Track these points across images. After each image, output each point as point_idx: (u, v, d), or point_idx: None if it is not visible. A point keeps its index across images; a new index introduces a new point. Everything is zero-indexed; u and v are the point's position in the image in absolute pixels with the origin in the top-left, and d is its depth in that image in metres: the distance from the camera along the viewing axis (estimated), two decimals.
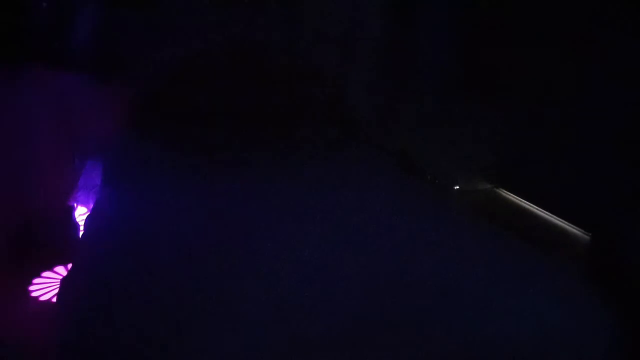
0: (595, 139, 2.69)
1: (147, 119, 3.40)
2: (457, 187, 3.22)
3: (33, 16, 2.67)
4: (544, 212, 2.93)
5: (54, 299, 2.55)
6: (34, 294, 2.60)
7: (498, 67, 3.12)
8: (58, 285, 2.57)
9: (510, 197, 3.09)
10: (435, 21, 3.22)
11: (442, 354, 2.13)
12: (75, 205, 2.92)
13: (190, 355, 2.12)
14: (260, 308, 2.23)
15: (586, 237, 2.73)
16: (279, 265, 2.52)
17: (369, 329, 2.13)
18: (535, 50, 2.91)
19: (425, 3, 3.30)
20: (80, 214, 2.94)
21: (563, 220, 2.85)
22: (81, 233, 2.86)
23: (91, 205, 2.95)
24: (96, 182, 3.06)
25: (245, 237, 2.73)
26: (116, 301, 2.34)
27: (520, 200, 3.04)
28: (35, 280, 2.64)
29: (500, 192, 3.14)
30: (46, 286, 2.64)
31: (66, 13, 3.00)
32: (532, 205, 2.99)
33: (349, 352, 2.07)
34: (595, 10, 2.69)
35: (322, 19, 3.39)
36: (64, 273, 2.67)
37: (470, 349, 2.15)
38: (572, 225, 2.80)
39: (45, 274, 2.68)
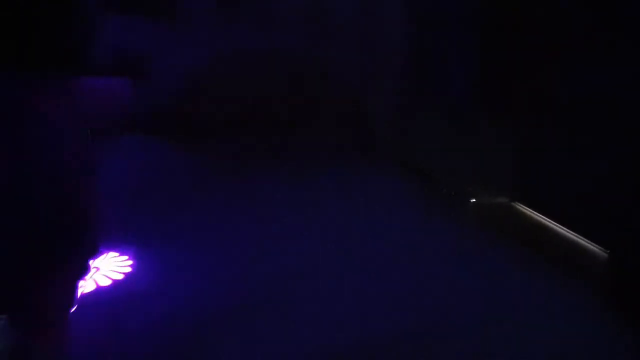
0: (616, 154, 2.66)
1: (165, 124, 3.42)
2: (474, 201, 3.20)
3: (56, 24, 2.68)
4: (562, 228, 2.90)
5: None
6: None
7: (516, 81, 3.10)
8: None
9: (527, 212, 3.06)
10: (455, 35, 3.22)
11: None
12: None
13: None
14: (273, 320, 2.22)
15: (604, 254, 2.69)
16: (292, 274, 2.53)
17: (381, 343, 2.11)
18: (555, 65, 2.89)
19: (444, 17, 3.30)
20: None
21: (580, 237, 2.81)
22: None
23: None
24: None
25: (258, 245, 2.74)
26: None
27: (537, 215, 3.01)
28: None
29: (517, 206, 3.11)
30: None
31: (88, 22, 3.02)
32: (549, 220, 2.96)
33: None
34: (618, 22, 2.67)
35: (343, 31, 3.40)
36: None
37: None
38: (590, 242, 2.76)
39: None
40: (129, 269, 2.64)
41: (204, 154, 3.41)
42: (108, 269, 2.66)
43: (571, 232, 2.85)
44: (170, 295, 2.37)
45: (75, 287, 2.29)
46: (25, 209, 2.34)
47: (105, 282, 2.57)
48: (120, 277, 2.59)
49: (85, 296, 2.42)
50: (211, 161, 3.38)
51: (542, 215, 3.00)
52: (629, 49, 2.60)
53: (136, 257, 2.67)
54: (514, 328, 2.29)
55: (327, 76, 3.43)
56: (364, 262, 2.69)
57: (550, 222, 2.95)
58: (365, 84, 3.40)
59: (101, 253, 2.71)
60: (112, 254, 2.73)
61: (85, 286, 2.50)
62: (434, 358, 2.11)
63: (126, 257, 2.71)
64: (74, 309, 2.20)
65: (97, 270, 2.66)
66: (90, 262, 2.43)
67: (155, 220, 2.91)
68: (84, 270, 2.37)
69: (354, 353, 2.09)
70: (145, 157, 3.36)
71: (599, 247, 2.72)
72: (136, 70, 3.33)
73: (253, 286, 2.46)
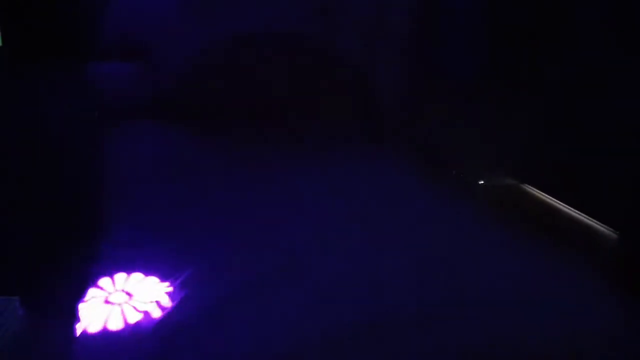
0: (625, 134, 2.63)
1: (172, 108, 3.41)
2: (482, 183, 3.18)
3: (60, 10, 2.67)
4: (571, 209, 2.88)
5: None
6: None
7: (524, 62, 3.07)
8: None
9: (536, 193, 3.05)
10: (464, 16, 3.18)
11: (467, 350, 2.12)
12: None
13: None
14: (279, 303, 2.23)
15: (614, 235, 2.68)
16: (300, 260, 2.53)
17: (390, 325, 2.12)
18: (562, 46, 2.86)
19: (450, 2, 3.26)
20: None
21: (590, 218, 2.80)
22: None
23: None
24: None
25: (264, 232, 2.74)
26: None
27: (546, 197, 2.99)
28: None
29: (526, 187, 3.10)
30: None
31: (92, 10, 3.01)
32: (558, 201, 2.95)
33: (371, 346, 2.08)
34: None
35: (351, 13, 3.37)
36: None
37: (495, 346, 2.13)
38: (600, 223, 2.75)
39: None
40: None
41: (211, 141, 3.39)
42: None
43: (581, 213, 2.84)
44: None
45: (87, 272, 2.27)
46: (40, 190, 2.34)
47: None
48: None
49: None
50: (219, 148, 3.37)
51: (551, 197, 2.98)
52: None
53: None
54: (523, 307, 2.29)
55: (334, 60, 3.40)
56: (374, 242, 2.69)
57: (560, 204, 2.94)
58: (373, 67, 3.37)
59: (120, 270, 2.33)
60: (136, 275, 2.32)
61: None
62: (443, 336, 2.12)
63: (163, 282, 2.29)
64: (85, 297, 2.17)
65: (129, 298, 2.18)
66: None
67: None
68: (95, 255, 2.36)
69: (366, 329, 2.11)
70: (152, 144, 3.35)
71: (609, 228, 2.71)
72: (142, 55, 3.31)
73: None
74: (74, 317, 2.06)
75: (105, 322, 2.07)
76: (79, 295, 2.17)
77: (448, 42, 3.22)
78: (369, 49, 3.30)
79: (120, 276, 2.29)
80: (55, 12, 2.67)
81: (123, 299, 2.18)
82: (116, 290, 2.21)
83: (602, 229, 2.71)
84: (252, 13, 3.38)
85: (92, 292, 2.21)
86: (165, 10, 3.30)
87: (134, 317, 2.10)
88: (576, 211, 2.84)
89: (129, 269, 2.33)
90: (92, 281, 2.25)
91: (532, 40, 3.02)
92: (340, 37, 3.31)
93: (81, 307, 2.12)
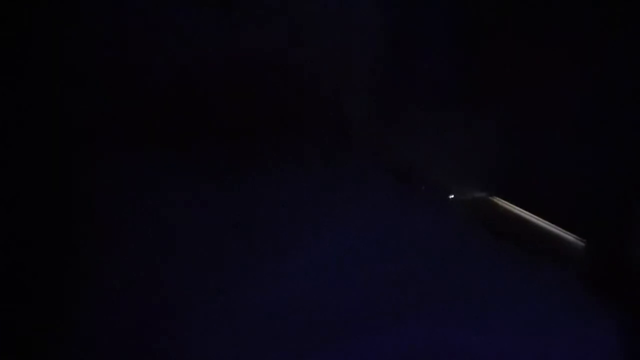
0: (589, 145, 2.69)
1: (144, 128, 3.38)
2: (452, 196, 3.20)
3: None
4: (539, 219, 2.91)
5: None
6: None
7: (492, 74, 3.13)
8: None
9: (505, 205, 3.08)
10: (430, 30, 3.24)
11: None
12: None
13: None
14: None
15: (581, 243, 2.71)
16: (276, 269, 2.51)
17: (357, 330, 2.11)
18: (530, 57, 2.93)
19: (421, 13, 3.32)
20: None
21: (558, 228, 2.83)
22: None
23: None
24: None
25: (245, 240, 2.71)
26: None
27: (515, 208, 3.02)
28: None
29: (495, 200, 3.13)
30: None
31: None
32: (527, 212, 2.98)
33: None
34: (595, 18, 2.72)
35: (317, 26, 3.41)
36: None
37: (467, 356, 2.12)
38: (567, 232, 2.78)
39: None
40: None
41: (186, 162, 3.36)
42: None
43: (549, 223, 2.87)
44: None
45: None
46: None
47: None
48: None
49: None
50: (194, 168, 3.34)
51: (521, 208, 3.01)
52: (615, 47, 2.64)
53: None
54: (494, 318, 2.30)
55: (302, 77, 3.42)
56: (339, 257, 2.67)
57: (529, 215, 2.97)
58: (341, 82, 3.40)
59: None
60: None
61: None
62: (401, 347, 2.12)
63: None
64: None
65: None
66: None
67: None
68: None
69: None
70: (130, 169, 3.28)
71: (576, 236, 2.74)
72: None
73: None
74: None
75: None
76: None
77: (416, 54, 3.28)
78: (337, 61, 3.34)
79: None
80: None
81: None
82: None
83: (569, 237, 2.75)
84: (222, 40, 3.40)
85: None
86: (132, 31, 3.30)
87: None
88: (544, 221, 2.87)
89: None
90: None
91: (501, 49, 3.08)
92: (312, 50, 3.34)
93: None
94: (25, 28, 2.70)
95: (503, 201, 3.11)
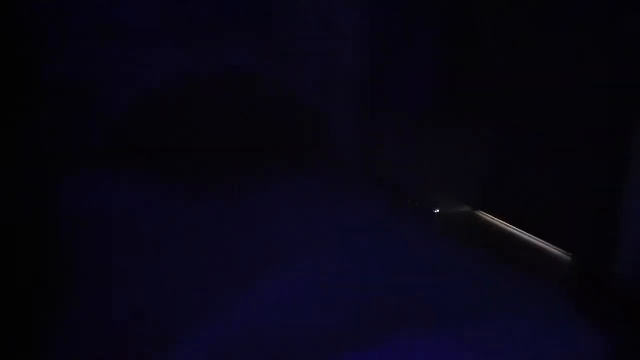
0: (574, 160, 2.68)
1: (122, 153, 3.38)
2: (437, 211, 3.18)
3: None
4: (525, 234, 2.89)
5: None
6: None
7: (476, 89, 3.14)
8: None
9: (491, 220, 3.06)
10: (415, 47, 3.26)
11: None
12: None
13: None
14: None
15: (567, 257, 2.68)
16: (258, 287, 2.48)
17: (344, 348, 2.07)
18: (513, 74, 2.94)
19: (403, 32, 3.34)
20: None
21: (544, 242, 2.81)
22: None
23: None
24: None
25: (230, 260, 2.69)
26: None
27: (501, 223, 3.00)
28: None
29: (481, 214, 3.11)
30: None
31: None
32: (512, 227, 2.96)
33: None
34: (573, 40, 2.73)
35: (300, 46, 3.43)
36: None
37: None
38: (554, 246, 2.76)
39: None
40: None
41: (167, 183, 3.35)
42: None
43: (535, 237, 2.85)
44: None
45: None
46: None
47: None
48: None
49: None
50: (175, 190, 3.33)
51: (506, 222, 2.99)
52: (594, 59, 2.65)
53: None
54: (480, 334, 2.26)
55: (284, 95, 3.43)
56: (325, 270, 2.64)
57: (515, 229, 2.95)
58: (325, 98, 3.41)
59: None
60: None
61: None
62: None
63: None
64: None
65: None
66: None
67: None
68: None
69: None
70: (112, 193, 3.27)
71: (562, 251, 2.72)
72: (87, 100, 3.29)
73: None
74: None
75: None
76: None
77: (400, 71, 3.29)
78: (321, 80, 3.35)
79: None
80: None
81: None
82: None
83: (555, 251, 2.72)
84: (207, 54, 3.41)
85: None
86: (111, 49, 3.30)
87: None
88: (530, 235, 2.85)
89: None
90: None
91: (484, 66, 3.09)
92: (293, 70, 3.35)
93: None
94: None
95: (488, 215, 3.09)
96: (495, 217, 3.05)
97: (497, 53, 3.02)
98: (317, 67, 3.42)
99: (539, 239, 2.81)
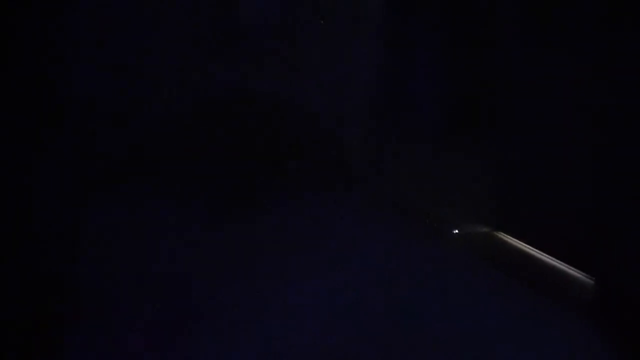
0: (598, 181, 2.60)
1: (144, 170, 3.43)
2: (456, 231, 3.13)
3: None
4: (545, 256, 2.81)
5: None
6: None
7: (494, 109, 3.09)
8: None
9: (510, 241, 2.99)
10: (430, 65, 3.23)
11: None
12: None
13: None
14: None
15: (590, 281, 2.59)
16: (271, 305, 2.48)
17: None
18: (531, 91, 2.88)
19: (419, 49, 3.32)
20: None
21: (565, 264, 2.72)
22: None
23: None
24: None
25: (241, 279, 2.69)
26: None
27: (520, 244, 2.93)
28: None
29: (500, 235, 3.04)
30: None
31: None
32: (532, 248, 2.88)
33: None
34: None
35: (317, 65, 3.44)
36: None
37: None
38: (575, 269, 2.67)
39: None
40: None
41: (181, 193, 3.38)
42: None
43: (556, 259, 2.76)
44: None
45: None
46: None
47: None
48: None
49: None
50: (190, 208, 3.35)
51: (526, 244, 2.92)
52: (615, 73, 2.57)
53: None
54: (499, 356, 2.21)
55: (300, 115, 3.45)
56: (341, 294, 2.62)
57: (535, 251, 2.87)
58: (340, 120, 3.40)
59: None
60: None
61: None
62: None
63: None
64: None
65: None
66: None
67: None
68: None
69: None
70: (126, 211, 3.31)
71: (585, 274, 2.63)
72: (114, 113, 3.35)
73: None
74: None
75: None
76: None
77: (414, 91, 3.26)
78: (337, 98, 3.35)
79: None
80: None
81: None
82: None
83: (577, 274, 2.64)
84: (223, 72, 3.45)
85: None
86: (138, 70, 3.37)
87: None
88: (551, 257, 2.77)
89: None
90: None
91: (502, 84, 3.04)
92: (309, 90, 3.36)
93: None
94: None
95: (507, 236, 3.02)
96: (514, 237, 2.98)
97: (513, 72, 2.97)
98: (333, 88, 3.42)
99: (559, 261, 2.73)
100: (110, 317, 2.45)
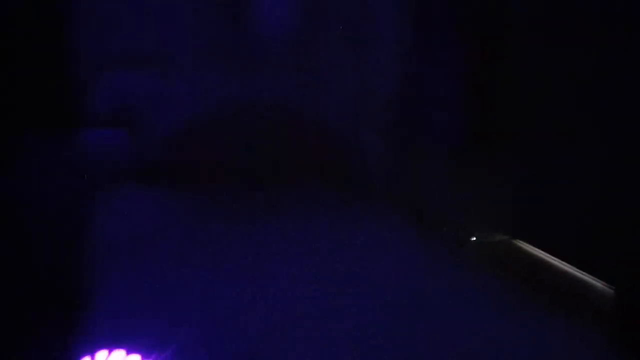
0: (617, 187, 2.58)
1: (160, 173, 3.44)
2: (474, 239, 3.12)
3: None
4: (565, 265, 2.79)
5: None
6: None
7: (511, 117, 3.07)
8: None
9: (528, 249, 2.97)
10: (446, 75, 3.22)
11: None
12: None
13: None
14: None
15: (610, 290, 2.57)
16: (290, 322, 2.48)
17: None
18: (549, 98, 2.86)
19: (434, 59, 3.31)
20: None
21: (585, 273, 2.70)
22: None
23: None
24: None
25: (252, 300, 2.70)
26: None
27: (539, 252, 2.91)
28: None
29: (518, 243, 3.02)
30: None
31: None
32: (552, 257, 2.86)
33: None
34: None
35: (332, 78, 3.44)
36: None
37: None
38: (595, 278, 2.65)
39: None
40: None
41: (198, 204, 3.40)
42: None
43: (575, 268, 2.74)
44: None
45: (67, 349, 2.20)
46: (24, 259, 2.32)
47: None
48: None
49: None
50: (207, 211, 3.37)
51: (545, 252, 2.90)
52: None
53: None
54: None
55: (318, 124, 3.45)
56: (362, 305, 2.62)
57: (553, 259, 2.85)
58: (358, 129, 3.40)
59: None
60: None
61: None
62: None
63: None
64: None
65: None
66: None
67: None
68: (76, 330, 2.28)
69: None
70: (141, 209, 3.34)
71: (605, 283, 2.60)
72: (131, 122, 3.38)
73: None
74: None
75: None
76: None
77: (433, 100, 3.25)
78: (355, 111, 3.35)
79: (101, 354, 2.22)
80: (43, 83, 2.74)
81: None
82: None
83: (597, 284, 2.61)
84: (239, 82, 3.46)
85: None
86: (152, 78, 3.39)
87: None
88: (570, 266, 2.75)
89: (110, 346, 2.26)
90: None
91: (519, 93, 3.03)
92: (326, 101, 3.37)
93: None
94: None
95: (525, 243, 3.00)
96: (532, 245, 2.96)
97: (531, 82, 2.95)
98: (352, 99, 3.42)
99: (579, 270, 2.71)
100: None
